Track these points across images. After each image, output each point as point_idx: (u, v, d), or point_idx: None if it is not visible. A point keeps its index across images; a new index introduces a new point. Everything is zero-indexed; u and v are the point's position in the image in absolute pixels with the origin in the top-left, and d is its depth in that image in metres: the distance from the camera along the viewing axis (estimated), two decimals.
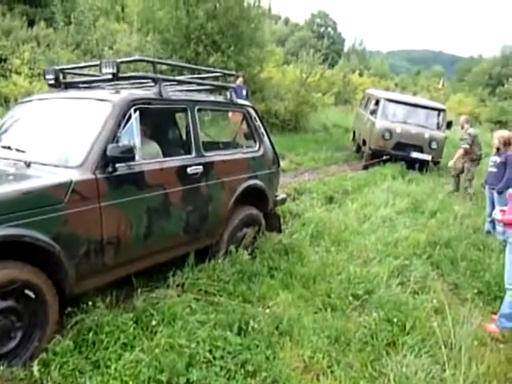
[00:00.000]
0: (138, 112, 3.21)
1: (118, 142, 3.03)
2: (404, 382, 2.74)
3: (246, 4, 12.71)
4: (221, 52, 11.61)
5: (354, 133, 13.03)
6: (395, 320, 3.41)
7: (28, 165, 2.85)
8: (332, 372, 2.85)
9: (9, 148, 3.18)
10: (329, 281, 4.02)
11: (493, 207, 5.76)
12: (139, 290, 3.25)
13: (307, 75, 18.03)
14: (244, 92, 10.08)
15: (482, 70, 38.32)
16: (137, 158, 3.09)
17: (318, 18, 61.63)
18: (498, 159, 5.89)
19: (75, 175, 2.76)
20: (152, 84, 3.64)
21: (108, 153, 2.88)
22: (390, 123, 10.22)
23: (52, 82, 3.81)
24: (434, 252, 5.05)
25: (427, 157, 9.98)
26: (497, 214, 3.91)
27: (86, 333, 2.70)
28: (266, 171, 4.48)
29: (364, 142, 11.10)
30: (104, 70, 3.34)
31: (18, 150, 3.11)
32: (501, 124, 23.03)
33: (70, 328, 2.78)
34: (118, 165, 2.95)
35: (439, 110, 10.88)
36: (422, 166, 10.05)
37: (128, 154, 2.93)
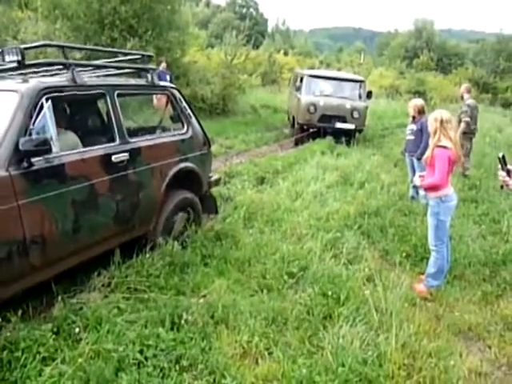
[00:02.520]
0: (50, 101, 2.99)
1: (30, 134, 2.81)
2: (340, 353, 2.76)
3: None
4: (138, 37, 11.09)
5: (288, 113, 13.38)
6: (330, 293, 3.45)
7: None
8: (270, 354, 2.82)
9: None
10: (264, 262, 3.98)
11: (414, 173, 6.03)
12: (59, 297, 2.99)
13: (232, 57, 17.85)
14: (168, 77, 9.76)
15: (399, 43, 40.10)
16: (54, 150, 2.89)
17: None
18: (414, 127, 6.14)
19: None
20: (65, 71, 3.37)
21: (21, 147, 2.69)
22: (314, 97, 10.67)
23: None
24: (364, 222, 5.20)
25: (351, 126, 10.47)
26: (416, 180, 4.06)
27: (0, 352, 2.44)
28: (197, 153, 4.42)
29: (294, 119, 11.56)
30: (7, 58, 3.10)
31: None
32: (419, 94, 24.32)
33: None
34: (33, 159, 2.76)
35: (359, 82, 11.46)
36: (350, 137, 10.57)
37: (43, 147, 2.75)
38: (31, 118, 2.86)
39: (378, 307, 3.33)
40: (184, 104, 4.44)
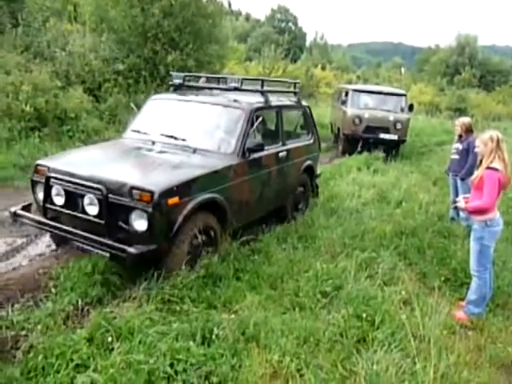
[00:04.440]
0: (257, 116, 4.59)
1: (248, 137, 4.39)
2: (375, 380, 2.66)
3: (203, 0, 12.47)
4: (179, 50, 11.32)
5: (332, 125, 13.88)
6: (364, 315, 3.35)
7: (194, 151, 4.19)
8: (301, 375, 2.74)
9: (173, 137, 4.37)
10: (296, 279, 3.92)
11: (456, 194, 5.81)
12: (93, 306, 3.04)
13: (270, 70, 18.02)
14: None
15: (440, 59, 39.12)
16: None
17: (278, 14, 61.70)
18: (460, 146, 5.93)
19: (233, 160, 4.21)
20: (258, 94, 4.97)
21: (247, 146, 4.32)
22: (359, 110, 11.29)
23: (177, 84, 5.20)
24: (400, 242, 5.04)
25: (394, 137, 11.05)
26: (460, 202, 3.90)
27: (35, 358, 2.48)
28: (314, 154, 6.11)
29: (339, 130, 12.24)
30: (230, 83, 4.72)
31: (181, 139, 4.34)
32: (460, 111, 23.67)
33: (19, 354, 2.57)
34: (252, 154, 4.40)
35: (401, 95, 11.98)
36: (394, 148, 11.27)
37: (260, 147, 4.43)
38: (250, 127, 4.44)
39: (416, 333, 3.19)
40: (311, 118, 6.00)
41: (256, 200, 4.64)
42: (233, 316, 3.21)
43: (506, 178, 3.63)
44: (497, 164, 3.59)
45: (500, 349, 3.39)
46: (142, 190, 3.32)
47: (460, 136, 5.93)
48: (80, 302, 3.20)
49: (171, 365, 2.55)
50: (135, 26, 11.18)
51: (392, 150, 11.12)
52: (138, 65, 11.07)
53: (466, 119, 6.05)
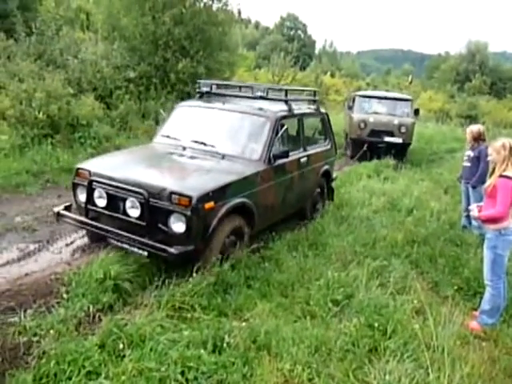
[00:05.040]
0: (281, 124, 4.84)
1: (274, 145, 4.62)
2: None
3: (213, 8, 12.58)
4: (190, 57, 11.40)
5: (346, 133, 13.89)
6: (376, 324, 3.32)
7: (223, 157, 4.42)
8: None
9: (202, 143, 4.61)
10: (307, 287, 3.90)
11: (468, 202, 5.75)
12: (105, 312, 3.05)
13: (279, 78, 18.08)
14: None
15: (450, 66, 38.93)
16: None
17: (287, 21, 62.02)
18: (471, 153, 5.87)
19: (260, 166, 4.45)
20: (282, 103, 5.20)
21: (273, 153, 4.57)
22: (365, 115, 11.61)
23: (204, 92, 5.45)
24: (412, 250, 5.00)
25: (398, 140, 11.28)
26: (473, 211, 3.86)
27: (47, 364, 2.49)
28: (331, 159, 6.38)
29: (347, 135, 12.67)
30: (256, 93, 5.12)
31: (210, 145, 4.58)
32: (471, 118, 23.49)
33: (31, 360, 2.58)
34: (277, 160, 4.64)
35: (406, 100, 12.30)
36: (400, 152, 11.38)
37: (285, 154, 4.66)
38: (275, 134, 4.67)
39: (428, 343, 3.15)
40: (329, 124, 6.27)
41: (280, 203, 4.90)
42: (244, 324, 3.19)
43: None
44: (510, 172, 3.55)
45: None
46: (181, 195, 3.57)
47: (473, 144, 5.87)
48: (91, 309, 3.21)
49: (182, 373, 2.54)
50: (146, 34, 11.30)
51: (398, 153, 11.30)
52: (148, 72, 11.17)
53: (474, 127, 5.96)
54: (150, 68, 11.22)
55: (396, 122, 11.29)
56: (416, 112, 12.11)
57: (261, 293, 3.82)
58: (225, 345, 2.87)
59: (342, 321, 3.45)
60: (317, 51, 62.73)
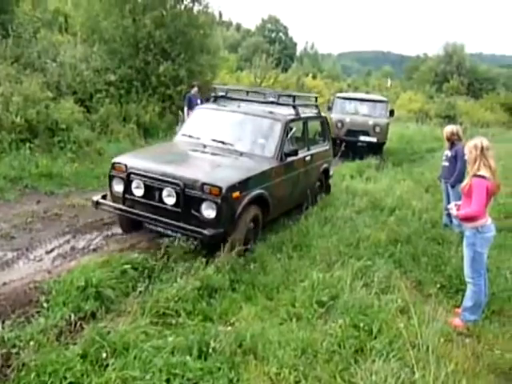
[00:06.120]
0: (290, 127, 5.49)
1: (285, 144, 5.26)
2: None
3: (194, 11, 12.53)
4: (171, 60, 11.34)
5: None
6: (362, 325, 3.33)
7: (241, 154, 5.02)
8: None
9: (221, 142, 5.20)
10: (292, 289, 3.90)
11: (448, 200, 5.84)
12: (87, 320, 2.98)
13: (261, 80, 18.11)
14: (198, 101, 9.95)
15: (428, 68, 39.62)
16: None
17: (269, 24, 62.17)
18: (449, 153, 5.97)
19: (274, 163, 5.07)
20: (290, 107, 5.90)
21: (285, 151, 5.22)
22: (342, 115, 12.27)
23: (219, 96, 6.09)
24: (395, 250, 5.04)
25: (373, 139, 11.98)
26: (452, 209, 3.92)
27: (27, 376, 2.42)
28: (329, 158, 7.13)
29: None
30: (268, 98, 6.01)
31: (229, 143, 5.20)
32: (449, 118, 23.91)
33: (10, 373, 2.50)
34: (288, 158, 5.30)
35: (381, 102, 13.07)
36: (375, 151, 11.95)
37: (295, 152, 5.33)
38: (285, 135, 5.31)
39: (413, 342, 3.17)
40: (327, 126, 7.03)
41: (288, 195, 5.51)
42: (229, 328, 3.17)
43: (495, 184, 3.65)
44: (484, 171, 3.61)
45: (497, 356, 3.38)
46: (212, 185, 4.15)
47: (452, 143, 5.96)
48: (73, 317, 3.13)
49: (167, 380, 2.51)
50: (127, 37, 11.20)
51: (374, 151, 11.88)
52: (129, 75, 11.06)
53: (448, 127, 6.09)
54: (131, 71, 11.11)
55: (371, 122, 11.94)
56: (391, 113, 12.77)
57: (246, 296, 3.80)
58: (210, 350, 2.84)
59: (327, 322, 3.45)
60: (298, 53, 63.07)
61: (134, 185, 4.48)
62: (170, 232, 4.34)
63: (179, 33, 11.63)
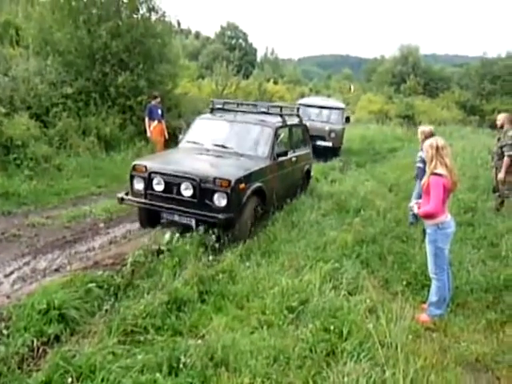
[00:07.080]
0: (279, 132, 6.49)
1: (275, 147, 6.22)
2: None
3: (151, 20, 12.37)
4: (129, 70, 11.12)
5: None
6: (332, 327, 3.35)
7: (241, 155, 5.93)
8: None
9: (222, 146, 6.16)
10: (262, 296, 3.89)
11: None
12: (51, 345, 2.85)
13: (223, 87, 18.09)
14: (159, 111, 9.86)
15: (386, 69, 40.76)
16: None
17: (228, 31, 62.44)
18: (422, 154, 6.00)
19: (268, 162, 6.00)
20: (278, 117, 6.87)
21: (276, 152, 6.19)
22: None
23: (217, 108, 7.08)
24: (362, 250, 5.13)
25: (329, 144, 13.15)
26: (414, 207, 4.02)
27: None
28: (310, 161, 8.21)
29: None
30: (259, 108, 6.92)
31: (229, 147, 6.12)
32: (408, 118, 24.67)
33: None
34: (280, 158, 6.29)
35: (338, 109, 14.17)
36: (332, 154, 13.01)
37: (285, 153, 6.35)
38: (276, 139, 6.30)
39: (383, 341, 3.22)
40: (307, 133, 8.13)
41: (279, 189, 6.32)
42: (200, 341, 3.11)
43: (451, 181, 3.78)
44: (440, 170, 3.73)
45: (464, 348, 3.49)
46: (223, 179, 5.00)
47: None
48: (36, 342, 2.99)
49: None
50: (82, 48, 10.90)
51: (332, 154, 13.01)
52: (87, 87, 10.77)
53: (426, 128, 6.00)
54: (89, 83, 10.82)
55: (327, 128, 13.11)
56: (347, 119, 14.00)
57: (216, 307, 3.76)
58: (181, 365, 2.78)
59: (298, 327, 3.46)
60: (259, 59, 63.57)
61: (154, 182, 5.30)
62: (185, 220, 5.19)
63: (137, 42, 11.43)
